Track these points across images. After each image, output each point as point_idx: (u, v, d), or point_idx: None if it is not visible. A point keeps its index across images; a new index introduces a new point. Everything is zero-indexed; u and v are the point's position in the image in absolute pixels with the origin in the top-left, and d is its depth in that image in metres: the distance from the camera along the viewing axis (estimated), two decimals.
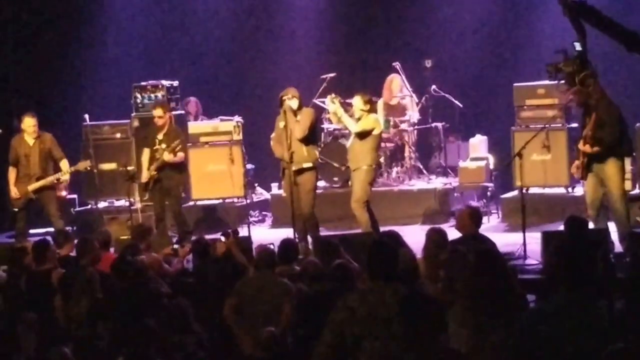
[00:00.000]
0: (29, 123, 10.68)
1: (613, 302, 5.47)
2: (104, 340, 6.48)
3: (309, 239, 9.82)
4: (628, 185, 10.03)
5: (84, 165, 11.00)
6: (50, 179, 10.72)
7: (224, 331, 6.77)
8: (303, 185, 9.86)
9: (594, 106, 8.79)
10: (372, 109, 10.13)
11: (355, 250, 7.72)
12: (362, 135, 9.86)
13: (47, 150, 10.71)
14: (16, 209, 10.69)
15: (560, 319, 3.96)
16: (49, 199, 10.72)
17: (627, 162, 9.64)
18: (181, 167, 10.76)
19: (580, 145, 8.94)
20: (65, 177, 10.83)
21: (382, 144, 11.91)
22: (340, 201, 11.09)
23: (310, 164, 9.91)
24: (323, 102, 11.58)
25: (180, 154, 10.54)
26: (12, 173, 10.71)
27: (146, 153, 10.65)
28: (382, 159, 12.07)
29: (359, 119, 9.95)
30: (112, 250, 9.03)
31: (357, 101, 9.93)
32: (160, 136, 10.59)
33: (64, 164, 10.77)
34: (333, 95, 10.34)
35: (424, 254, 6.95)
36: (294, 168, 9.78)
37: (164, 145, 10.47)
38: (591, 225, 8.72)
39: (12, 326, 6.80)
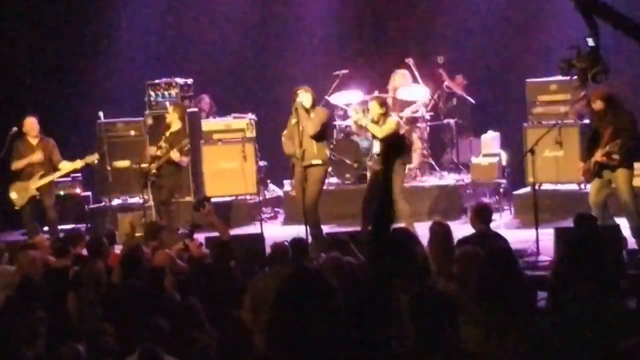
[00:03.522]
0: (30, 122, 10.83)
1: (625, 298, 5.47)
2: (114, 338, 6.50)
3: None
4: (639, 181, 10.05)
5: (91, 158, 11.11)
6: (56, 175, 10.91)
7: (236, 329, 6.77)
8: (309, 178, 9.95)
9: (611, 118, 8.94)
10: (389, 111, 10.32)
11: (365, 247, 7.73)
12: (388, 138, 10.03)
13: (49, 152, 10.89)
14: (17, 208, 10.83)
15: (572, 316, 3.95)
16: (47, 189, 10.89)
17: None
18: (180, 168, 10.86)
19: (598, 157, 9.01)
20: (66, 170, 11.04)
21: None
22: (352, 198, 11.10)
23: (319, 161, 9.99)
24: (343, 106, 11.69)
25: (185, 158, 10.63)
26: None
27: (152, 151, 10.87)
28: None
29: (377, 122, 10.08)
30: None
31: (374, 106, 10.16)
32: (167, 134, 10.70)
33: (63, 164, 10.94)
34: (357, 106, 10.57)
35: (429, 248, 6.96)
36: (303, 164, 9.87)
37: (167, 144, 10.55)
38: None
39: (23, 322, 6.82)
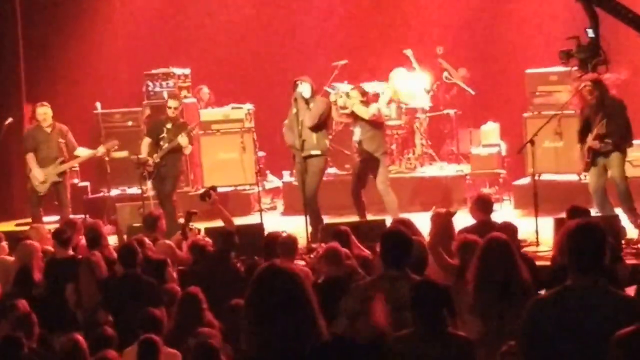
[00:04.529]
0: (42, 112, 10.78)
1: (624, 288, 5.47)
2: (113, 328, 6.49)
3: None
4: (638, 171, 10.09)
5: (111, 144, 11.09)
6: (77, 161, 10.97)
7: (236, 319, 6.76)
8: (309, 169, 9.97)
9: (600, 105, 8.95)
10: (369, 101, 10.53)
11: (366, 237, 7.72)
12: (374, 123, 10.18)
13: (63, 139, 10.85)
14: (41, 193, 10.78)
15: (569, 305, 3.94)
16: (64, 187, 10.86)
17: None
18: (182, 156, 10.85)
19: (589, 141, 9.05)
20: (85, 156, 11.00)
21: (395, 132, 12.02)
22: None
23: (318, 152, 10.00)
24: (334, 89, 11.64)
25: (190, 147, 10.61)
26: (31, 158, 10.80)
27: (146, 142, 10.70)
28: (393, 146, 12.12)
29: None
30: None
31: (355, 94, 10.40)
32: (169, 125, 10.63)
33: (80, 150, 10.93)
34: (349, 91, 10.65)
35: (430, 237, 6.96)
36: (303, 155, 9.87)
37: (170, 135, 10.52)
38: (598, 213, 8.82)
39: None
